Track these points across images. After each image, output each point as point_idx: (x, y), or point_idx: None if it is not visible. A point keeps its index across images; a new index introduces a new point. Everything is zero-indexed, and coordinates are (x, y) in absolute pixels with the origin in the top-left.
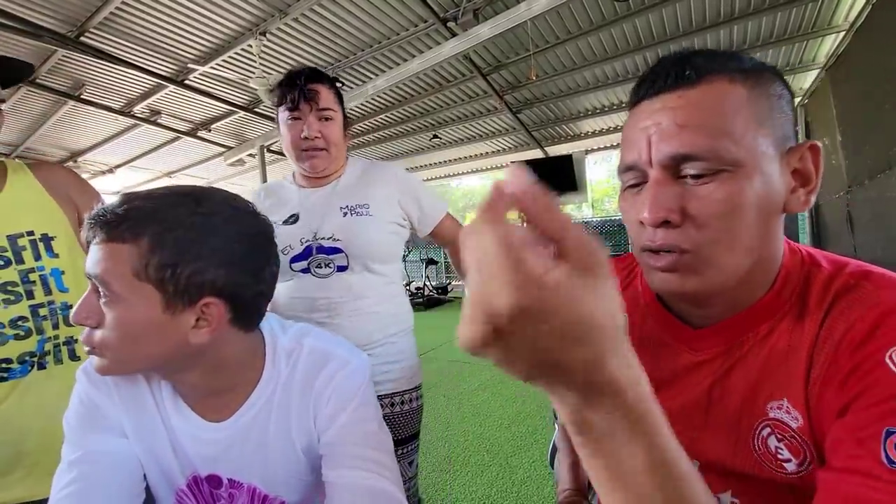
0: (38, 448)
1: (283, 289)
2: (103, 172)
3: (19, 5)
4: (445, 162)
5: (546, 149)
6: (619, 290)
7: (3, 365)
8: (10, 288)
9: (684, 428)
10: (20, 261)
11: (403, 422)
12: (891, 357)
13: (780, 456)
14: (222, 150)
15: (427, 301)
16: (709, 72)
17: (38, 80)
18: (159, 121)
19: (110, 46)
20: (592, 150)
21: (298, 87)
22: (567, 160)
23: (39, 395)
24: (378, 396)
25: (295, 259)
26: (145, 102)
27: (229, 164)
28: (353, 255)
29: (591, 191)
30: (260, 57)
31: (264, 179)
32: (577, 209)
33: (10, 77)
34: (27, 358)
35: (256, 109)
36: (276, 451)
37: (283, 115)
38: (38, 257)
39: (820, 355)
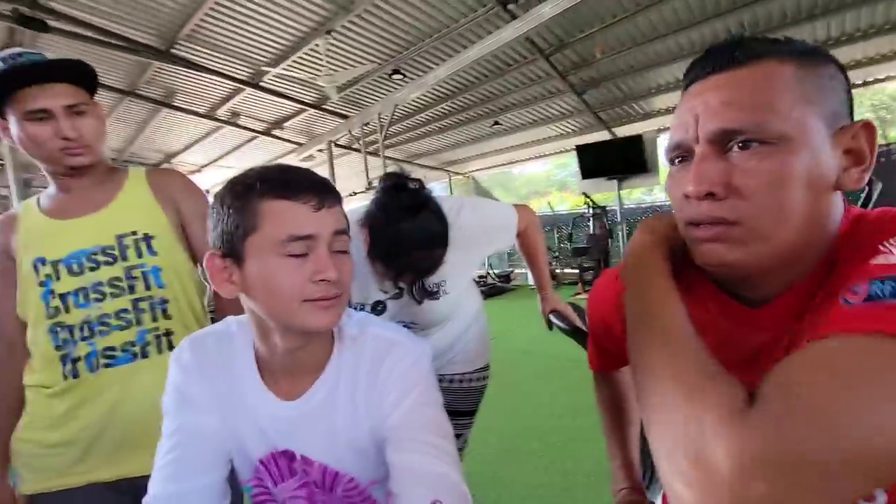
0: (141, 429)
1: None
2: (192, 172)
3: (120, 24)
4: (507, 149)
5: (614, 129)
6: None
7: (109, 353)
8: (115, 283)
9: None
10: (125, 258)
11: (461, 398)
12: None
13: None
14: (294, 146)
15: (489, 290)
16: (759, 53)
17: (137, 91)
18: (239, 122)
19: (196, 56)
20: (665, 129)
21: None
22: (636, 141)
23: (140, 381)
24: (446, 376)
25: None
26: (226, 106)
27: (301, 160)
28: (431, 322)
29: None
30: (327, 55)
31: (332, 173)
32: (647, 192)
33: (91, 83)
34: (129, 347)
35: (324, 106)
36: (344, 431)
37: None
38: (139, 255)
39: None
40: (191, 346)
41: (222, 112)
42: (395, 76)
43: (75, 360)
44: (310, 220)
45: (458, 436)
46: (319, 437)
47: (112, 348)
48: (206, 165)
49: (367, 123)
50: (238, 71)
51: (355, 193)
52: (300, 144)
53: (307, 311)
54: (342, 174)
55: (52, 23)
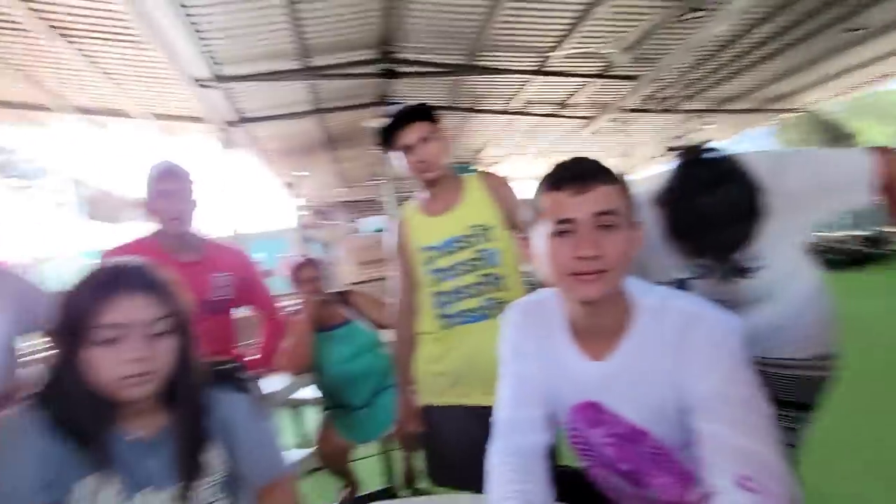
0: (491, 372)
1: None
2: (494, 164)
3: (442, 54)
4: (868, 61)
5: None
6: None
7: (468, 313)
8: (469, 263)
9: None
10: (476, 244)
11: (790, 385)
12: None
13: None
14: (583, 121)
15: (850, 257)
16: None
17: (453, 105)
18: (530, 110)
19: (492, 61)
20: None
21: None
22: None
23: (487, 336)
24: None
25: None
26: (518, 97)
27: (591, 134)
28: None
29: None
30: (611, 19)
31: (625, 142)
32: None
33: (432, 115)
34: (479, 310)
35: (611, 73)
36: (649, 396)
37: None
38: (484, 241)
39: None
40: (517, 309)
41: (514, 104)
42: (691, 14)
43: (447, 317)
44: (569, 206)
45: (789, 430)
46: (623, 396)
47: (469, 310)
48: (506, 156)
49: (662, 79)
50: (525, 63)
51: (653, 158)
52: (588, 119)
53: (572, 284)
54: (636, 141)
55: (401, 69)
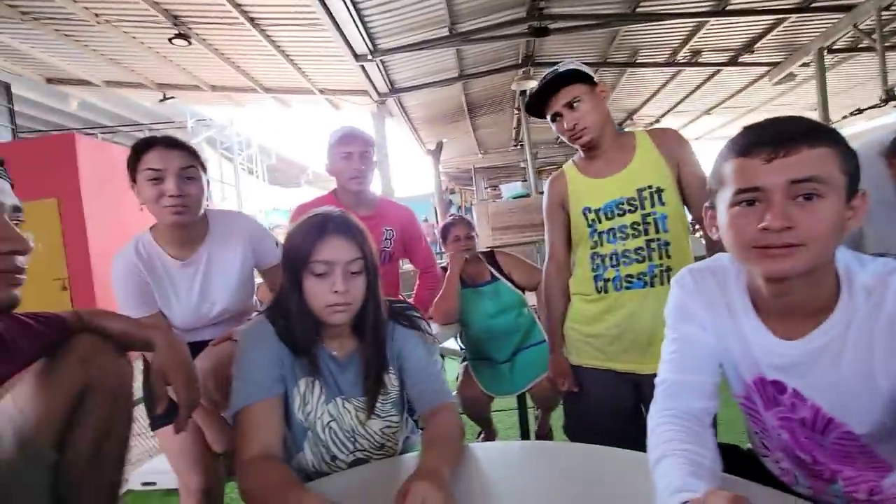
0: (646, 339)
1: None
2: (650, 125)
3: (593, 4)
4: None
5: None
6: None
7: (628, 279)
8: (635, 226)
9: None
10: (643, 207)
11: None
12: None
13: None
14: (766, 69)
15: None
16: None
17: (607, 60)
18: (700, 60)
19: (658, 5)
20: None
21: None
22: None
23: (648, 303)
24: None
25: None
26: (686, 47)
27: (774, 84)
28: None
29: None
30: None
31: (822, 90)
32: None
33: (586, 77)
34: (642, 276)
35: (813, 5)
36: (850, 383)
37: None
38: (653, 204)
39: None
40: (690, 274)
41: (682, 55)
42: None
43: (605, 280)
44: (759, 173)
45: None
46: (816, 378)
47: (630, 276)
48: (662, 115)
49: (890, 6)
50: (701, 4)
51: (860, 111)
52: (773, 65)
53: (756, 258)
54: (839, 88)
55: (550, 25)
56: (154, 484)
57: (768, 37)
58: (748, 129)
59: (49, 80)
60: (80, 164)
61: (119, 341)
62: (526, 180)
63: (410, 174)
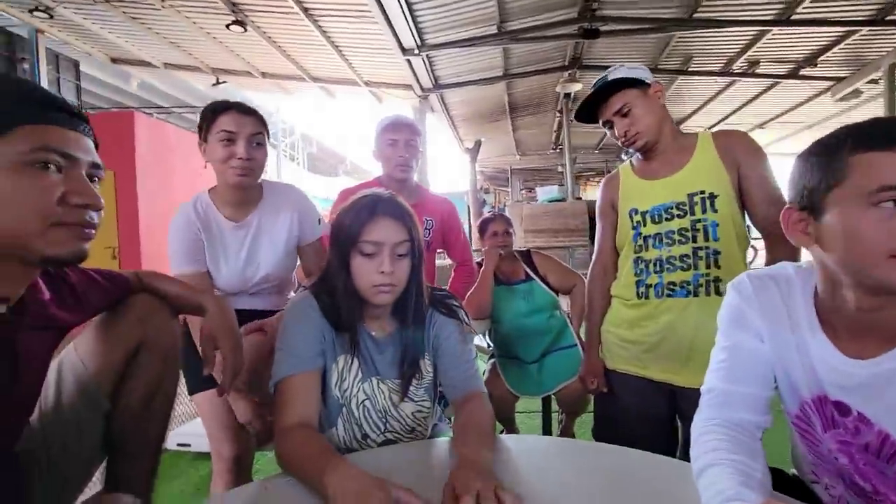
0: (686, 351)
1: None
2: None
3: (648, 7)
4: None
5: None
6: None
7: (671, 286)
8: (682, 232)
9: None
10: (692, 213)
11: None
12: None
13: None
14: (829, 83)
15: None
16: None
17: (658, 67)
18: (757, 71)
19: (718, 11)
20: None
21: None
22: None
23: (690, 313)
24: None
25: None
26: (744, 56)
27: (837, 100)
28: None
29: None
30: None
31: (891, 109)
32: None
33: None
34: (685, 285)
35: (889, 18)
36: None
37: None
38: (704, 210)
39: None
40: (750, 280)
41: (738, 64)
42: None
43: (647, 286)
44: None
45: None
46: (889, 402)
47: (673, 283)
48: (711, 127)
49: None
50: (764, 12)
51: None
52: (837, 80)
53: (892, 267)
54: None
55: (601, 27)
56: (188, 446)
57: (835, 49)
58: (881, 122)
59: (114, 60)
60: (138, 140)
61: (173, 304)
62: (563, 184)
63: (446, 171)
